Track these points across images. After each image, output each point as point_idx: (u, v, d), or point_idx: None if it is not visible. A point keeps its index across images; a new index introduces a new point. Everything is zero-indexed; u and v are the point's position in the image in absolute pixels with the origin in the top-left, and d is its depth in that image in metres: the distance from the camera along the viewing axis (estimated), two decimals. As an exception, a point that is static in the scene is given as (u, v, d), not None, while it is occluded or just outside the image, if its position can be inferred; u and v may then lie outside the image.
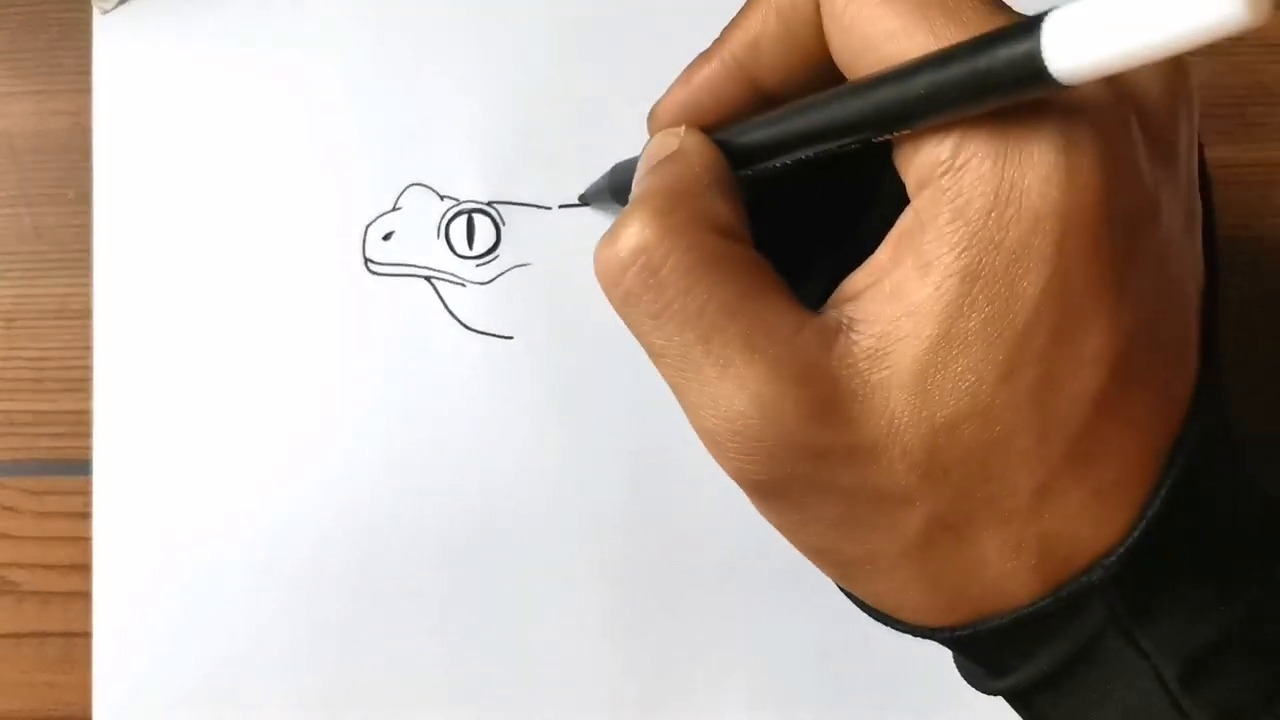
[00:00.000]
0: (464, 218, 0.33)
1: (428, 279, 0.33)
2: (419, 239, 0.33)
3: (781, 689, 0.33)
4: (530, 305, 0.33)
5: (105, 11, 0.34)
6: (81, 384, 0.34)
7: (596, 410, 0.33)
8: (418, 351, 0.33)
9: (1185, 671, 0.20)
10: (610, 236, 0.20)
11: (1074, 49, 0.15)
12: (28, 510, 0.34)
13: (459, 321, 0.33)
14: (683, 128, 0.22)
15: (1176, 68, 0.20)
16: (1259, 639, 0.20)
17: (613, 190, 0.29)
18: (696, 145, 0.21)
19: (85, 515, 0.34)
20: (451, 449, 0.33)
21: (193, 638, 0.33)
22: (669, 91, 0.23)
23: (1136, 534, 0.19)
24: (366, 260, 0.34)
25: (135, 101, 0.34)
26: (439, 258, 0.33)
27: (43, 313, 0.34)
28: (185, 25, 0.34)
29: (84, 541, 0.34)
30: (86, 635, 0.34)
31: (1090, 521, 0.19)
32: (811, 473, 0.19)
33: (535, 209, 0.33)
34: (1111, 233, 0.18)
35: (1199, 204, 0.21)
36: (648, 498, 0.33)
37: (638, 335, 0.20)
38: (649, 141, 0.23)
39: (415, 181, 0.33)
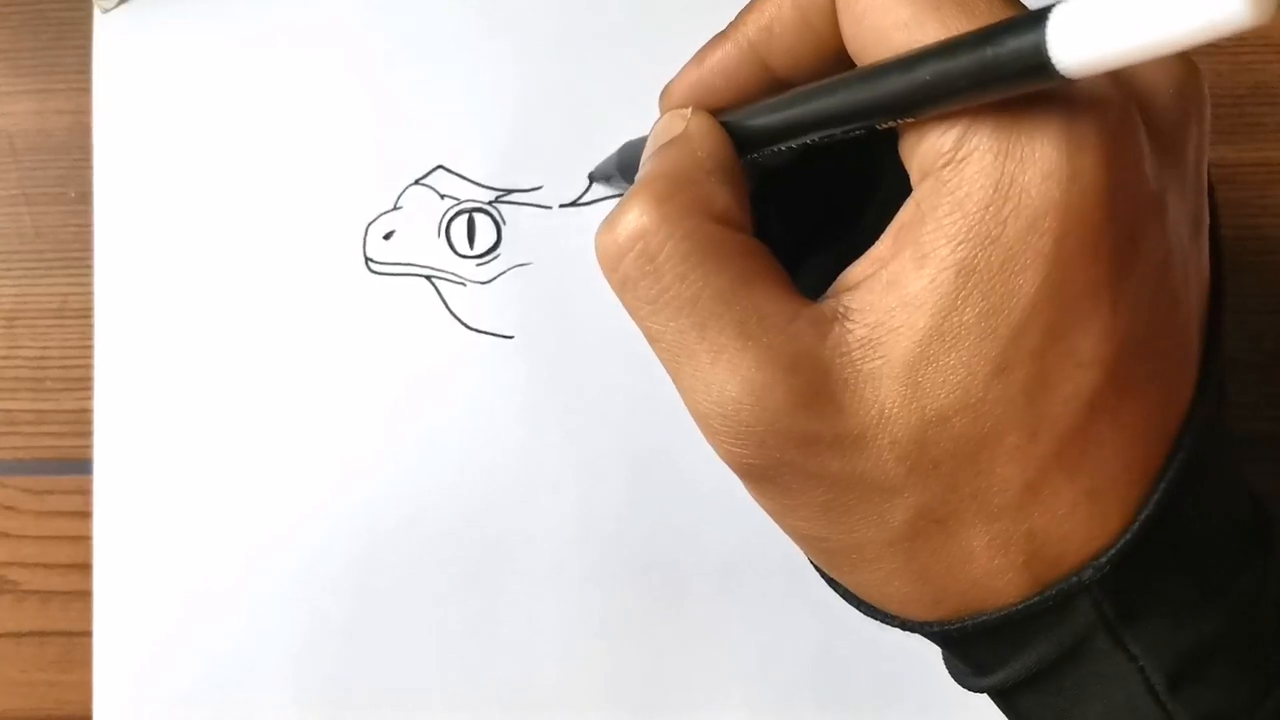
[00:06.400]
0: (465, 217, 0.33)
1: (428, 278, 0.33)
2: (420, 238, 0.33)
3: (780, 689, 0.33)
4: (530, 305, 0.33)
5: (105, 11, 0.34)
6: (81, 383, 0.34)
7: (596, 410, 0.33)
8: (418, 351, 0.33)
9: (1172, 675, 0.20)
10: (610, 221, 0.20)
11: (1078, 43, 0.15)
12: (28, 510, 0.34)
13: (459, 321, 0.33)
14: (689, 109, 0.22)
15: (1189, 72, 0.19)
16: (1244, 644, 0.20)
17: (621, 168, 0.29)
18: (702, 128, 0.21)
19: (85, 515, 0.34)
20: (451, 448, 0.33)
21: (193, 638, 0.33)
22: (682, 71, 0.23)
23: (1129, 537, 0.19)
24: (367, 259, 0.34)
25: (135, 100, 0.34)
26: (439, 257, 0.33)
27: (43, 312, 0.34)
28: (185, 24, 0.34)
29: (84, 541, 0.34)
30: (86, 635, 0.34)
31: (1082, 522, 0.19)
32: (801, 459, 0.19)
33: (536, 208, 0.33)
34: (1113, 234, 0.18)
35: (1206, 212, 0.20)
36: (647, 498, 0.33)
37: (635, 318, 0.20)
38: (658, 120, 0.23)
39: (416, 180, 0.33)
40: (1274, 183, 0.34)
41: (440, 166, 0.33)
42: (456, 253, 0.33)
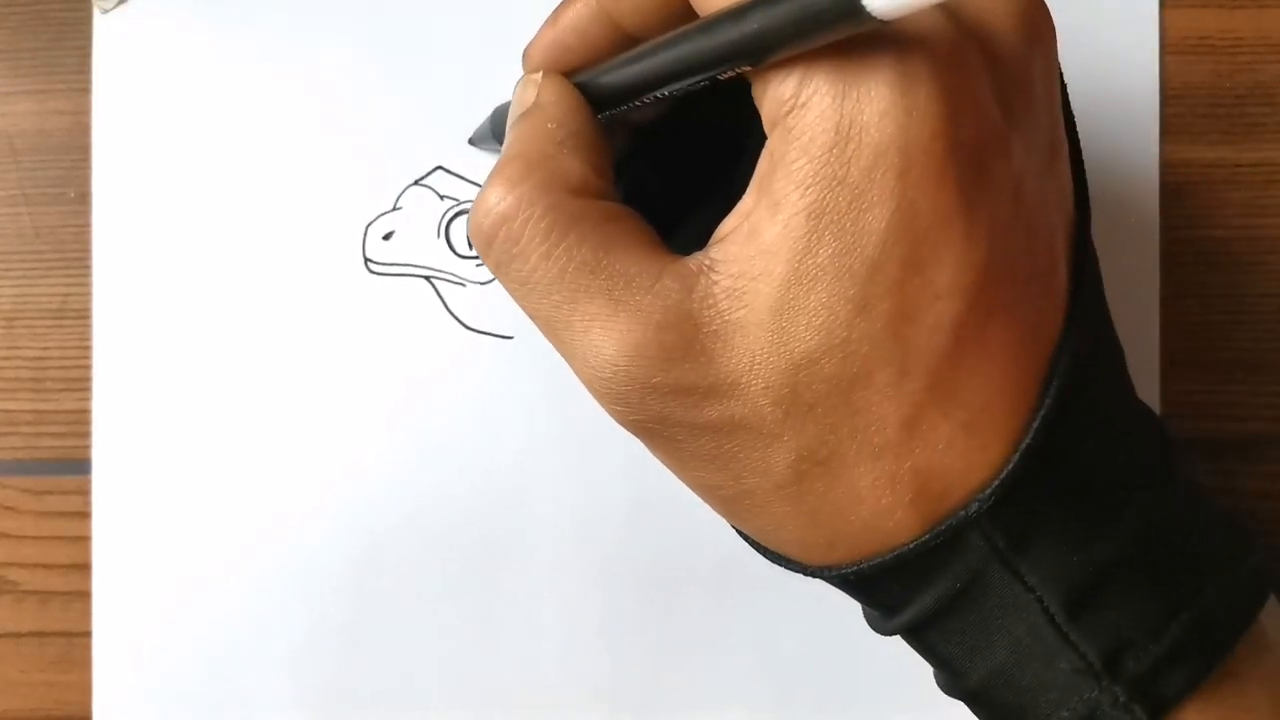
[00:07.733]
0: (464, 217, 0.33)
1: (428, 279, 0.33)
2: (419, 239, 0.33)
3: (780, 690, 0.33)
4: (530, 305, 0.33)
5: (105, 11, 0.34)
6: (81, 384, 0.34)
7: (596, 410, 0.33)
8: (418, 351, 0.33)
9: (1070, 602, 0.20)
10: (474, 208, 0.21)
11: None
12: (28, 510, 0.34)
13: (459, 321, 0.33)
14: (540, 74, 0.23)
15: (1029, 5, 0.20)
16: (1144, 567, 0.20)
17: (495, 133, 0.30)
18: (553, 96, 0.22)
19: (85, 515, 0.34)
20: (451, 449, 0.33)
21: (193, 638, 0.33)
22: (539, 32, 0.23)
23: (1010, 467, 0.19)
24: (366, 260, 0.34)
25: (135, 101, 0.34)
26: (439, 257, 0.33)
27: (43, 312, 0.34)
28: (185, 25, 0.34)
29: (84, 541, 0.34)
30: (86, 635, 0.34)
31: (962, 455, 0.19)
32: (681, 411, 0.20)
33: (535, 209, 0.33)
34: (957, 165, 0.18)
35: (1063, 139, 0.21)
36: (647, 498, 0.33)
37: (514, 299, 0.21)
38: (517, 83, 0.23)
39: (415, 181, 0.33)
40: (1274, 183, 0.34)
41: (440, 167, 0.33)
42: (456, 253, 0.33)
